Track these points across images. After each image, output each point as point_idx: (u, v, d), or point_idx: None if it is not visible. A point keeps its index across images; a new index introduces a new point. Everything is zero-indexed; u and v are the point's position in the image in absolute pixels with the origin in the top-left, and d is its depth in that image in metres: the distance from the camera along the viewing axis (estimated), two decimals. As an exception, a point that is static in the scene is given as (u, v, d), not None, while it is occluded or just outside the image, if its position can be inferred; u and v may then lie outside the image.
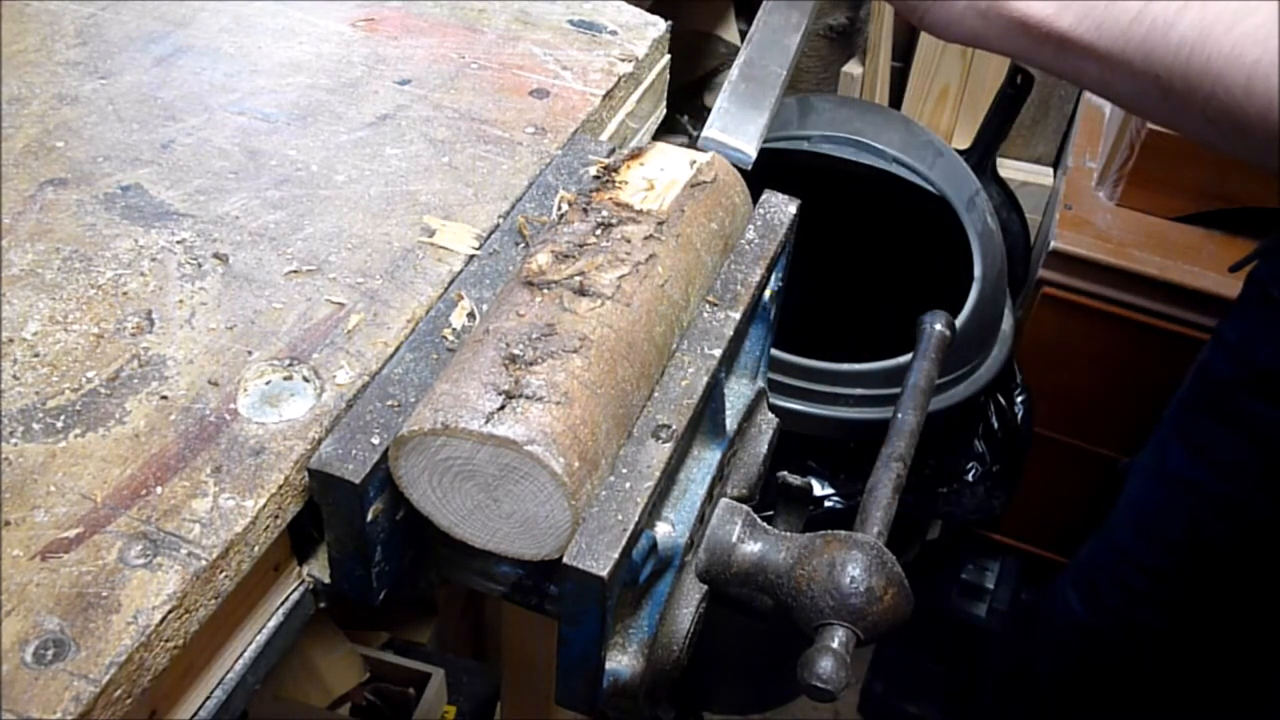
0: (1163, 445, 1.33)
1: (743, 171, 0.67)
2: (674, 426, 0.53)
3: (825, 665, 0.52)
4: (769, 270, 0.64)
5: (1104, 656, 1.46)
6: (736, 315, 0.60)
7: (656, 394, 0.55)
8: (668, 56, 0.84)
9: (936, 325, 0.76)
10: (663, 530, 0.56)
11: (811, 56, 1.93)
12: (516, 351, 0.51)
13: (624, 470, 0.51)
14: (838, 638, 0.53)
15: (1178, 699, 1.49)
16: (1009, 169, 1.85)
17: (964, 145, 1.66)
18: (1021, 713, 1.66)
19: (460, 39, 0.80)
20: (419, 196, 0.66)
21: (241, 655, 0.52)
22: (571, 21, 0.83)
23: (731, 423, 0.62)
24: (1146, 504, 1.36)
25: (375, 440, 0.50)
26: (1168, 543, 1.33)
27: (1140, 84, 0.58)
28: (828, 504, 1.40)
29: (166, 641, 0.45)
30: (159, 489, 0.48)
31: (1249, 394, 1.20)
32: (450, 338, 0.57)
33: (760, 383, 0.68)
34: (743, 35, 1.71)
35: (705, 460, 0.60)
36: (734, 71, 0.66)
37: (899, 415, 0.70)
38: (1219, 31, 0.53)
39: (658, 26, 0.83)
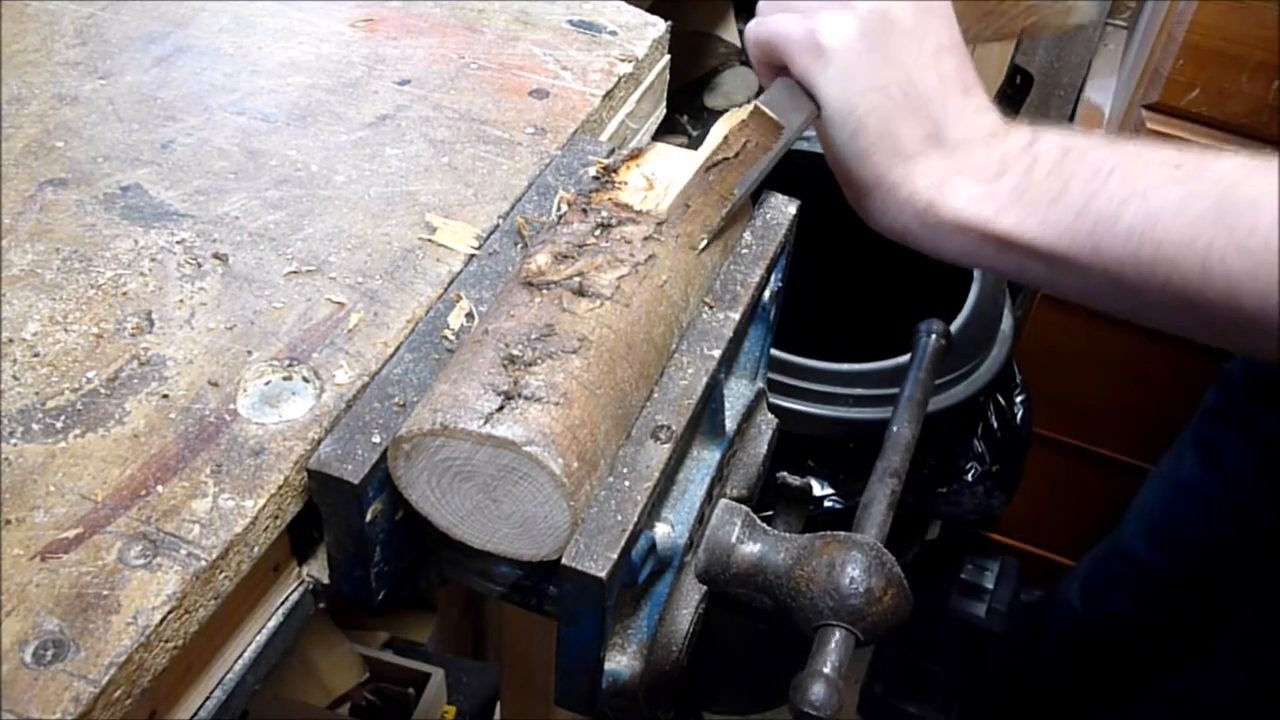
0: (1179, 451, 1.32)
1: None
2: (673, 427, 0.53)
3: (818, 691, 0.51)
4: (769, 271, 0.64)
5: (1110, 661, 1.46)
6: (736, 316, 0.60)
7: (656, 394, 0.55)
8: (668, 57, 0.84)
9: (931, 334, 0.76)
10: (662, 531, 0.56)
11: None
12: (515, 352, 0.51)
13: (623, 471, 0.51)
14: (830, 662, 0.52)
15: (1184, 699, 1.49)
16: (1009, 169, 1.85)
17: (964, 145, 1.66)
18: (1022, 713, 1.66)
19: (460, 39, 0.80)
20: (419, 197, 0.66)
21: (241, 655, 0.52)
22: (571, 22, 0.83)
23: (731, 423, 0.62)
24: (1156, 509, 1.36)
25: (375, 441, 0.50)
26: (1176, 549, 1.33)
27: (1090, 278, 0.56)
28: (827, 504, 1.40)
29: (166, 642, 0.45)
30: (159, 489, 0.48)
31: (1253, 396, 1.20)
32: (450, 338, 0.57)
33: (760, 383, 0.68)
34: (743, 35, 1.70)
35: (705, 461, 0.60)
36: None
37: (893, 428, 0.69)
38: (1166, 219, 0.52)
39: (657, 27, 0.83)
